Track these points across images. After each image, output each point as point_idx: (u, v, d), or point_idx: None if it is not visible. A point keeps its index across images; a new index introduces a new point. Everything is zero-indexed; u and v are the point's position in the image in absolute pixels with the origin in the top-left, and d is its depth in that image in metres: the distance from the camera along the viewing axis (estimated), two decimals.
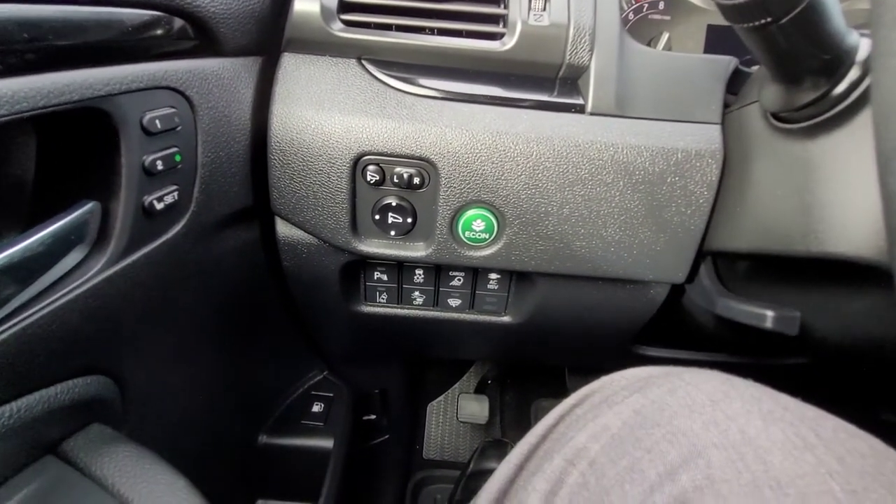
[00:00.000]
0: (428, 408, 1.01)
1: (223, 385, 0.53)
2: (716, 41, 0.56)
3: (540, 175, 0.39)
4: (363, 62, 0.40)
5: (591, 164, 0.39)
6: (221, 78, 0.36)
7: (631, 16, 0.54)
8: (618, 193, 0.39)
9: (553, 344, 0.56)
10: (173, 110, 0.32)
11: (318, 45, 0.39)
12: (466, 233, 0.41)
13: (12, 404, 0.27)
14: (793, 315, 0.36)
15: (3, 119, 0.22)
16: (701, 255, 0.43)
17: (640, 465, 0.25)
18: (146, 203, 0.31)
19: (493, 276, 0.48)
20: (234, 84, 0.37)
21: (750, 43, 0.29)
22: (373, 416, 0.86)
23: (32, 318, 0.26)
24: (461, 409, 0.88)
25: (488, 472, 0.46)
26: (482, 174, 0.39)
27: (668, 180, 0.39)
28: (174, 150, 0.32)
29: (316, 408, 0.69)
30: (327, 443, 0.65)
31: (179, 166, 0.33)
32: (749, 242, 0.38)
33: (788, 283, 0.39)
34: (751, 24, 0.27)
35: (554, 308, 0.48)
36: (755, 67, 0.42)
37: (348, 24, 0.39)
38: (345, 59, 0.40)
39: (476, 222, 0.40)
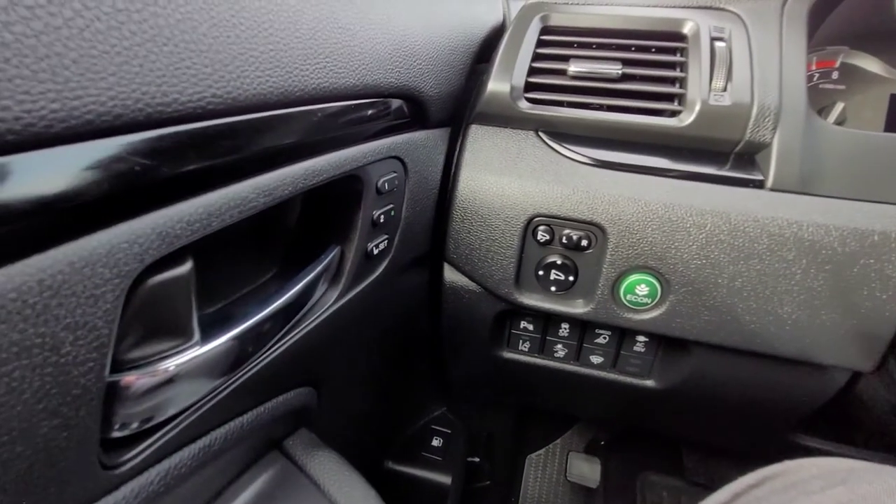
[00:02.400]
0: (527, 460, 0.99)
1: (366, 407, 0.58)
2: None
3: (712, 247, 0.39)
4: (540, 134, 0.45)
5: (770, 239, 0.38)
6: (426, 147, 0.43)
7: None
8: (799, 271, 0.38)
9: (699, 418, 0.54)
10: (395, 174, 0.39)
11: (503, 118, 0.45)
12: (628, 295, 0.42)
13: (257, 409, 0.33)
14: None
15: (312, 185, 0.29)
16: (894, 343, 0.39)
17: None
18: (368, 248, 0.37)
19: (641, 338, 0.48)
20: (433, 151, 0.44)
21: None
22: (476, 459, 0.86)
23: (289, 343, 0.32)
24: (571, 467, 0.85)
25: None
26: (651, 242, 0.40)
27: (861, 262, 0.37)
28: (391, 206, 0.39)
29: (435, 442, 0.72)
30: (445, 478, 0.67)
31: (392, 219, 0.39)
32: None
33: None
34: None
35: (709, 379, 0.47)
36: None
37: (531, 101, 0.44)
38: (524, 131, 0.45)
39: (639, 287, 0.42)
